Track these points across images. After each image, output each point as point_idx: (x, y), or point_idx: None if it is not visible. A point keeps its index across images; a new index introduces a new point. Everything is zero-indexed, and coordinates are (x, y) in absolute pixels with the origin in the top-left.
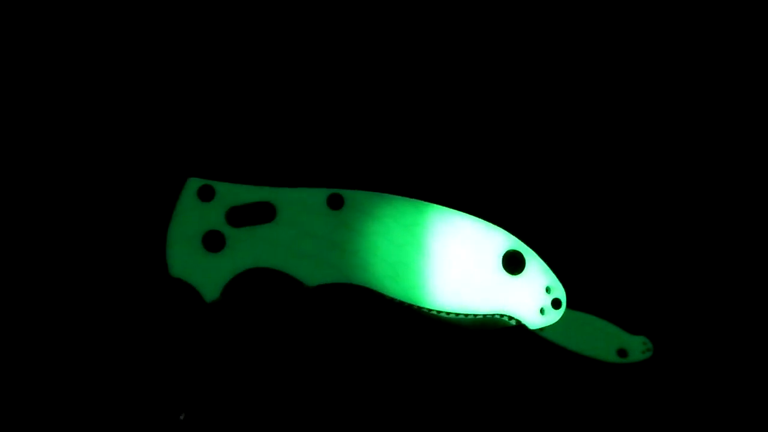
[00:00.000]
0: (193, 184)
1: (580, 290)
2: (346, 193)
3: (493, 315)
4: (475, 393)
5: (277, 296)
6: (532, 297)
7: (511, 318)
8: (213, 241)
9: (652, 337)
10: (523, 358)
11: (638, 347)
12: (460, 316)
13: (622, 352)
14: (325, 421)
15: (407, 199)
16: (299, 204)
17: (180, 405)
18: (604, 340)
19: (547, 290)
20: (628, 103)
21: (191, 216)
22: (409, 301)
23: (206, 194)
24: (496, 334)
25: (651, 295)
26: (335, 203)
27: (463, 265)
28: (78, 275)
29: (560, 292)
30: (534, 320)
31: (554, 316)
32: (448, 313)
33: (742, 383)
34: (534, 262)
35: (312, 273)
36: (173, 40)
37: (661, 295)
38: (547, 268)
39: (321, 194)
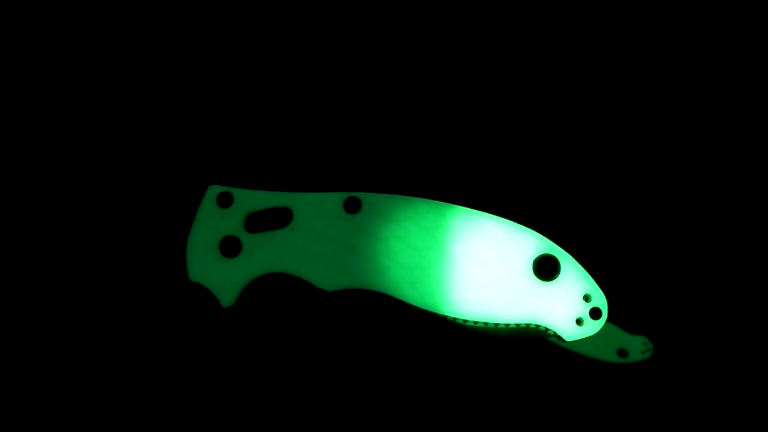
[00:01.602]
0: (213, 191)
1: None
2: (364, 196)
3: (527, 325)
4: (476, 392)
5: (293, 301)
6: (567, 305)
7: (547, 329)
8: (230, 247)
9: (652, 337)
10: (523, 358)
11: (638, 347)
12: (489, 326)
13: (622, 352)
14: (340, 425)
15: (428, 200)
16: (316, 208)
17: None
18: (604, 340)
19: (586, 299)
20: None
21: (210, 222)
22: (428, 308)
23: (225, 201)
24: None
25: (651, 295)
26: (352, 207)
27: (489, 271)
28: (101, 279)
29: (601, 301)
30: (570, 331)
31: (593, 327)
32: (476, 323)
33: (741, 383)
34: (570, 268)
35: (328, 278)
36: (194, 61)
37: (660, 295)
38: (586, 274)
39: (338, 198)
